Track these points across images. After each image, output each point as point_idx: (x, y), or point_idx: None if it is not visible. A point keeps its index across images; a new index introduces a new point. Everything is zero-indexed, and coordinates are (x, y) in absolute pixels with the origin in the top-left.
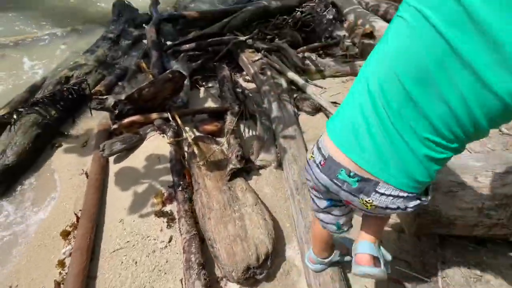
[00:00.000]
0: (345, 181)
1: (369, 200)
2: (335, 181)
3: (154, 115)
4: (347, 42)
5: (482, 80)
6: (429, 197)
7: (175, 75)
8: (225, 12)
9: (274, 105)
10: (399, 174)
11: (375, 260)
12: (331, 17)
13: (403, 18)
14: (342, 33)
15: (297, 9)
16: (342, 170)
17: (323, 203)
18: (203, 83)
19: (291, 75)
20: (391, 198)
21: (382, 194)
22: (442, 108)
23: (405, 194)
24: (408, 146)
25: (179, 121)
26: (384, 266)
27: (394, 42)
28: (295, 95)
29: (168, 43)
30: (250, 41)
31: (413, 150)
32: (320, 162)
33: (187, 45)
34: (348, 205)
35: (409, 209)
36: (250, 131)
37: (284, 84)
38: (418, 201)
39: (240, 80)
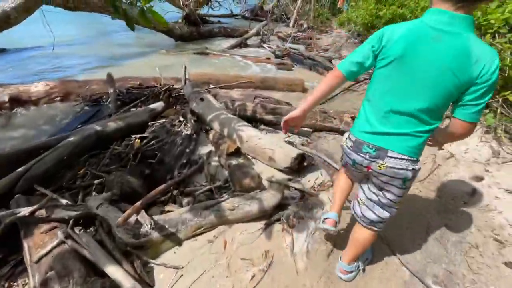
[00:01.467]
0: (367, 152)
1: (383, 163)
2: (360, 154)
3: None
4: (214, 162)
5: None
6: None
7: None
8: (27, 151)
9: None
10: (401, 145)
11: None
12: (189, 131)
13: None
14: (206, 149)
15: (133, 135)
16: (364, 146)
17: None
18: None
19: (112, 271)
20: (398, 160)
21: (392, 157)
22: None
23: (406, 157)
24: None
25: None
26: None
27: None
28: None
29: None
30: (42, 213)
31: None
32: (350, 146)
33: None
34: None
35: (409, 172)
36: None
37: None
38: (416, 165)
39: None
